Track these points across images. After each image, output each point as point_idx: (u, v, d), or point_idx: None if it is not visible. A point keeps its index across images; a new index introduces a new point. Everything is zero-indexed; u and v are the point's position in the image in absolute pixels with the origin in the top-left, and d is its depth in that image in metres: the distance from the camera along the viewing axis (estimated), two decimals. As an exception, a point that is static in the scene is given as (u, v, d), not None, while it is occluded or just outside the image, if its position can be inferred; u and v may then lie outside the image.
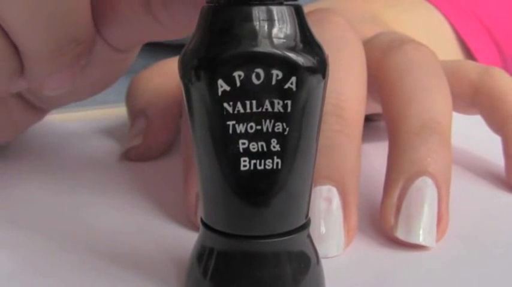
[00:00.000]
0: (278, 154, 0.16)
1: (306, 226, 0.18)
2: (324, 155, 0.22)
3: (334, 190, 0.22)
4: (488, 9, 0.44)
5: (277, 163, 0.16)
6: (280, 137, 0.16)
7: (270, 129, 0.16)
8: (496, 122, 0.29)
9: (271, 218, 0.17)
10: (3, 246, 0.23)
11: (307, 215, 0.18)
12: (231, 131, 0.16)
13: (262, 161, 0.16)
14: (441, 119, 0.25)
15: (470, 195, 0.28)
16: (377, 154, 0.27)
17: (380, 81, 0.27)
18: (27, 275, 0.21)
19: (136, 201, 0.27)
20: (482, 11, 0.44)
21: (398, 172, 0.23)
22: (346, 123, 0.23)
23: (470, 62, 0.32)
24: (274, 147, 0.16)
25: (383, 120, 0.28)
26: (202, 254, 0.18)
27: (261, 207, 0.17)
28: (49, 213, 0.26)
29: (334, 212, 0.22)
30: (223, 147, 0.16)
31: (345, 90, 0.24)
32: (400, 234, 0.22)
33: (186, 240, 0.23)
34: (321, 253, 0.20)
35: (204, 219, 0.18)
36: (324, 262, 0.19)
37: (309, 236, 0.18)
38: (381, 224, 0.23)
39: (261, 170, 0.16)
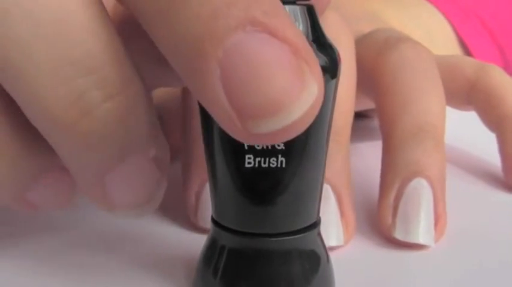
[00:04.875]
0: (282, 153, 0.16)
1: (315, 225, 0.18)
2: None
3: (328, 188, 0.22)
4: (490, 10, 0.44)
5: (282, 162, 0.16)
6: None
7: None
8: (491, 120, 0.30)
9: (277, 217, 0.17)
10: (3, 247, 0.23)
11: (317, 215, 0.18)
12: None
13: (267, 159, 0.16)
14: (435, 122, 0.25)
15: (469, 195, 0.28)
16: (374, 154, 0.27)
17: (375, 81, 0.27)
18: (28, 275, 0.21)
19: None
20: (484, 12, 0.44)
21: (394, 174, 0.24)
22: (335, 131, 0.23)
23: (467, 58, 0.32)
24: (278, 145, 0.16)
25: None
26: (213, 252, 0.18)
27: (266, 205, 0.17)
28: (48, 213, 0.25)
29: (332, 206, 0.22)
30: (229, 143, 0.16)
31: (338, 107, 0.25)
32: (399, 234, 0.22)
33: (187, 241, 0.23)
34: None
35: (214, 217, 0.18)
36: None
37: (320, 235, 0.18)
38: (379, 225, 0.24)
39: (265, 168, 0.16)
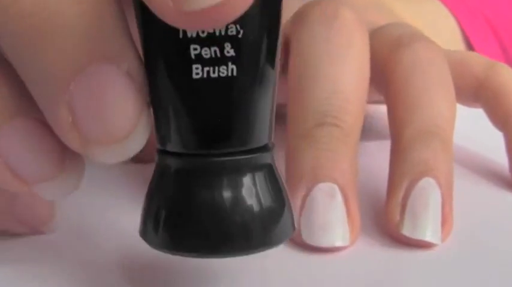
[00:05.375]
0: (233, 60, 0.15)
1: (267, 148, 0.16)
2: (324, 156, 0.22)
3: (335, 187, 0.22)
4: (496, 9, 0.44)
5: (232, 70, 0.15)
6: (235, 40, 0.15)
7: (223, 33, 0.15)
8: (499, 119, 0.29)
9: (227, 132, 0.16)
10: (3, 248, 0.22)
11: (270, 137, 0.17)
12: (181, 35, 0.15)
13: (216, 68, 0.15)
14: (444, 126, 0.25)
15: (474, 195, 0.27)
16: (379, 153, 0.27)
17: (386, 79, 0.27)
18: (28, 274, 0.20)
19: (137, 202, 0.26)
20: (490, 11, 0.44)
21: (402, 173, 0.23)
22: (345, 133, 0.24)
23: (476, 55, 0.32)
24: (228, 52, 0.15)
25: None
26: (158, 186, 0.17)
27: (216, 119, 0.15)
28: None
29: (338, 204, 0.22)
30: (174, 53, 0.15)
31: (348, 95, 0.24)
32: (406, 231, 0.22)
33: None
34: (327, 242, 0.21)
35: (159, 146, 0.16)
36: (326, 263, 0.20)
37: (274, 164, 0.17)
38: (386, 223, 0.23)
39: (215, 78, 0.15)
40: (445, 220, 0.23)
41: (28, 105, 0.16)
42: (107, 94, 0.15)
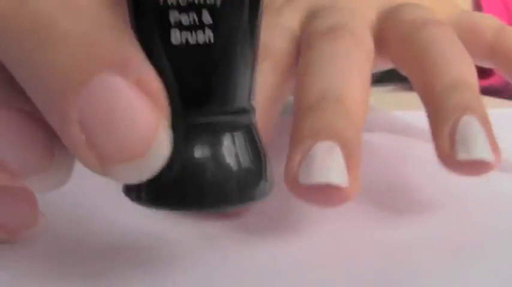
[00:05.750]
0: (210, 27, 0.16)
1: (247, 110, 0.17)
2: (328, 120, 0.22)
3: (335, 145, 0.21)
4: None
5: (210, 37, 0.16)
6: (212, 8, 0.16)
7: (201, 1, 0.15)
8: None
9: (206, 95, 0.16)
10: (4, 248, 0.22)
11: (249, 100, 0.17)
12: (161, 2, 0.15)
13: (194, 34, 0.16)
14: (471, 80, 0.26)
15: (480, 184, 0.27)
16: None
17: (405, 50, 0.28)
18: (29, 275, 0.20)
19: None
20: None
21: (444, 115, 0.24)
22: (349, 112, 0.23)
23: (487, 18, 0.33)
24: (206, 19, 0.16)
25: None
26: None
27: (194, 83, 0.16)
28: (49, 213, 0.23)
29: (338, 156, 0.21)
30: (154, 20, 0.16)
31: (350, 91, 0.24)
32: (462, 155, 0.22)
33: (189, 241, 0.22)
34: (324, 178, 0.20)
35: None
36: (326, 259, 0.20)
37: (254, 126, 0.18)
38: (439, 157, 0.23)
39: (194, 44, 0.16)
40: (494, 149, 0.23)
41: (12, 96, 0.16)
42: (117, 107, 0.14)
